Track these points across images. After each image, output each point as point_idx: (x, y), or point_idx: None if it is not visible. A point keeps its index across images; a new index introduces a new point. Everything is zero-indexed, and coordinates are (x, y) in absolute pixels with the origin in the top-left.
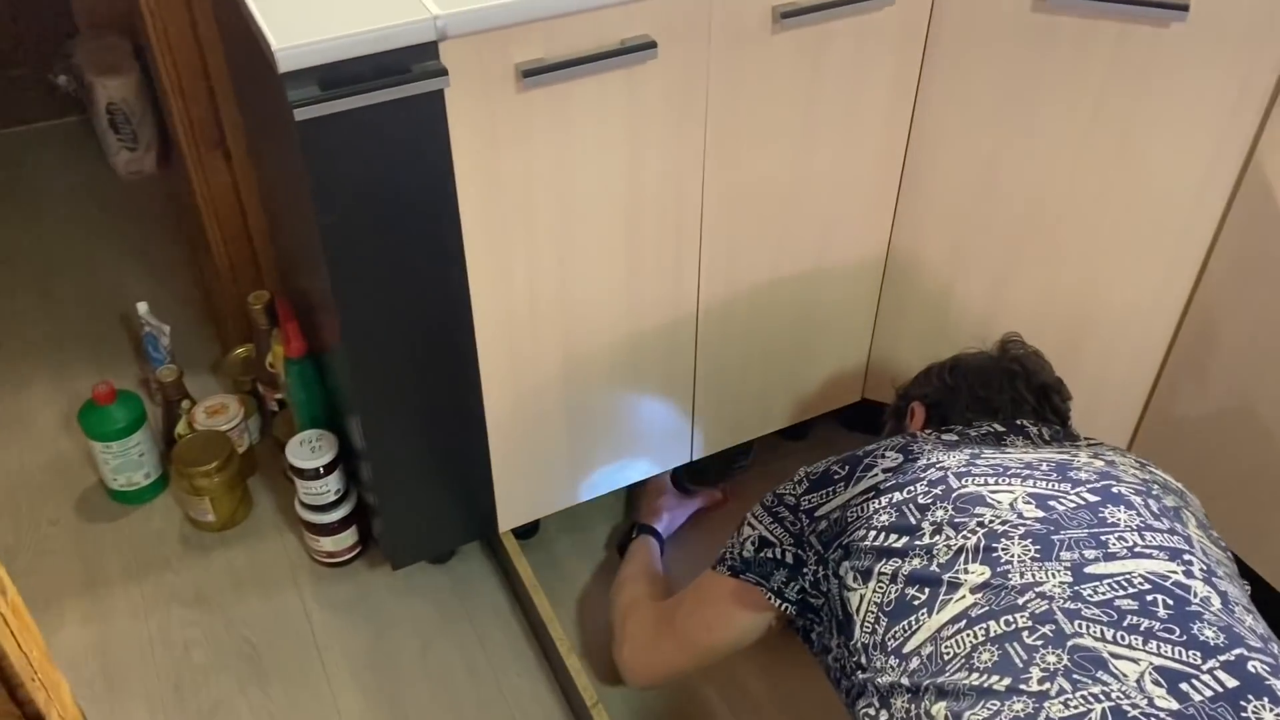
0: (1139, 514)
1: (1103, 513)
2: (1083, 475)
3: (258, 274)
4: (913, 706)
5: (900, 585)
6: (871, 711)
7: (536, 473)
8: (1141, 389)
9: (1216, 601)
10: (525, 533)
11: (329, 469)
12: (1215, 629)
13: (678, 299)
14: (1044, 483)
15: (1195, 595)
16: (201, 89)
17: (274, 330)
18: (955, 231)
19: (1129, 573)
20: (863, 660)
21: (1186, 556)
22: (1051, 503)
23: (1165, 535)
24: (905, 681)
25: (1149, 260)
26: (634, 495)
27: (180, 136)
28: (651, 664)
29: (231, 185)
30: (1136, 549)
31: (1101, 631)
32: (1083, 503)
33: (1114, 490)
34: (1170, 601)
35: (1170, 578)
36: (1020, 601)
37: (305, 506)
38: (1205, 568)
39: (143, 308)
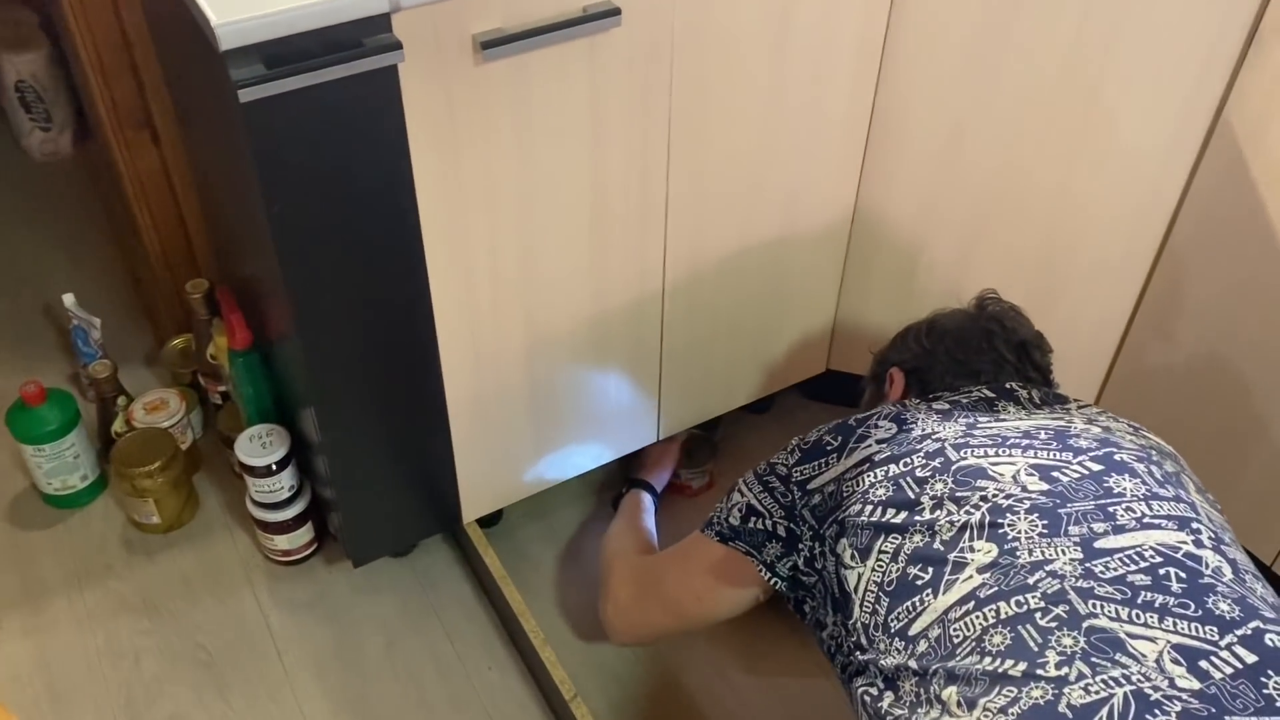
0: (1144, 482)
1: (1107, 482)
2: (1083, 443)
3: (193, 261)
4: (921, 690)
5: (902, 564)
6: (874, 691)
7: (500, 460)
8: (1109, 346)
9: (1228, 571)
10: (488, 521)
11: (281, 465)
12: (1230, 601)
13: (643, 275)
14: (1045, 452)
15: (1207, 566)
16: (124, 65)
17: (214, 320)
18: (922, 194)
19: (1139, 545)
20: (863, 640)
21: (1195, 525)
22: (1055, 474)
23: (1171, 503)
24: (913, 665)
25: (1117, 219)
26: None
27: (103, 117)
28: (635, 625)
29: (161, 168)
30: (1145, 519)
31: (1116, 610)
32: (1087, 472)
33: (1116, 458)
34: (1183, 575)
35: (1181, 549)
36: (1031, 581)
37: (257, 505)
38: (1213, 535)
39: (69, 299)
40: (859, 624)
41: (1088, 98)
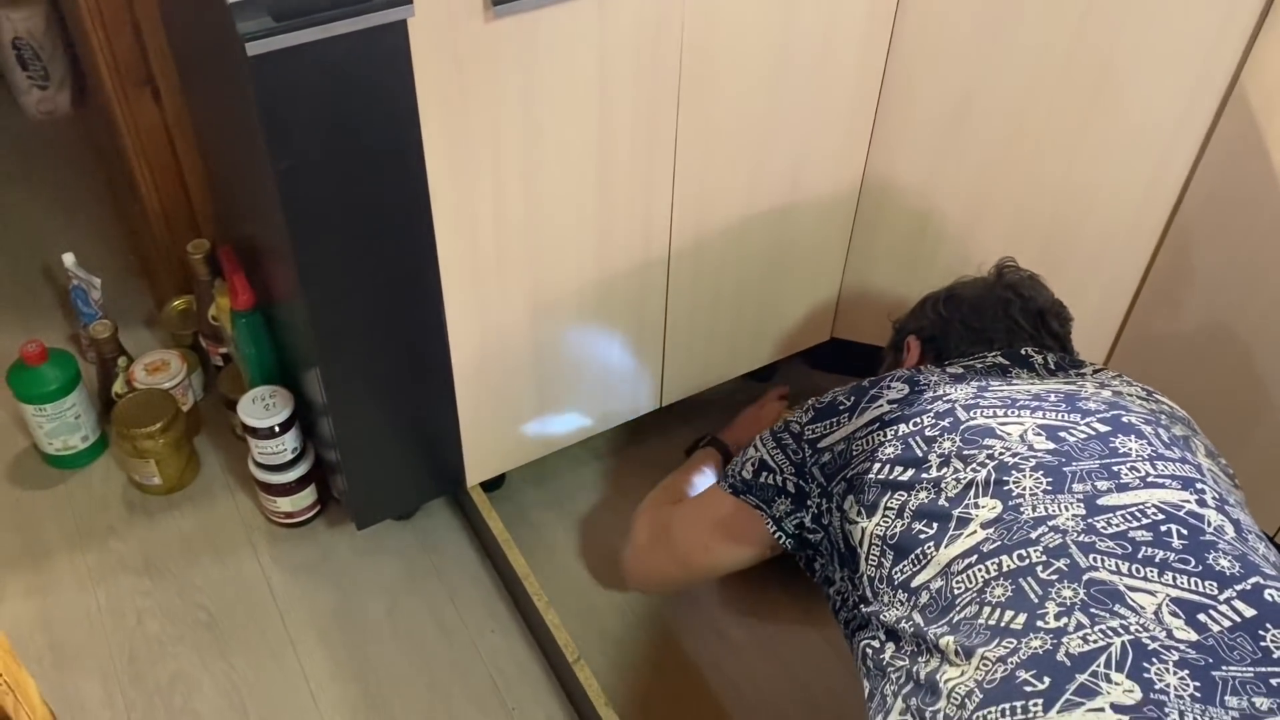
0: (1150, 443)
1: (1113, 443)
2: (1091, 405)
3: (193, 221)
4: (920, 641)
5: (907, 520)
6: (876, 644)
7: (504, 423)
8: (1116, 315)
9: (1230, 530)
10: (491, 485)
11: (285, 426)
12: (1230, 558)
13: (648, 238)
14: (1053, 414)
15: (1209, 524)
16: (125, 21)
17: (216, 281)
18: (930, 162)
19: (1142, 503)
20: (867, 593)
21: (1199, 485)
22: (1062, 434)
23: (1177, 464)
24: (915, 616)
25: (1127, 185)
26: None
27: (102, 73)
28: (646, 571)
29: (161, 126)
30: (1149, 479)
31: (1117, 565)
32: (1093, 433)
33: (1124, 420)
34: (1184, 531)
35: (1184, 507)
36: (1033, 536)
37: (260, 466)
38: (1217, 496)
39: (69, 259)
40: (864, 577)
41: (1099, 67)
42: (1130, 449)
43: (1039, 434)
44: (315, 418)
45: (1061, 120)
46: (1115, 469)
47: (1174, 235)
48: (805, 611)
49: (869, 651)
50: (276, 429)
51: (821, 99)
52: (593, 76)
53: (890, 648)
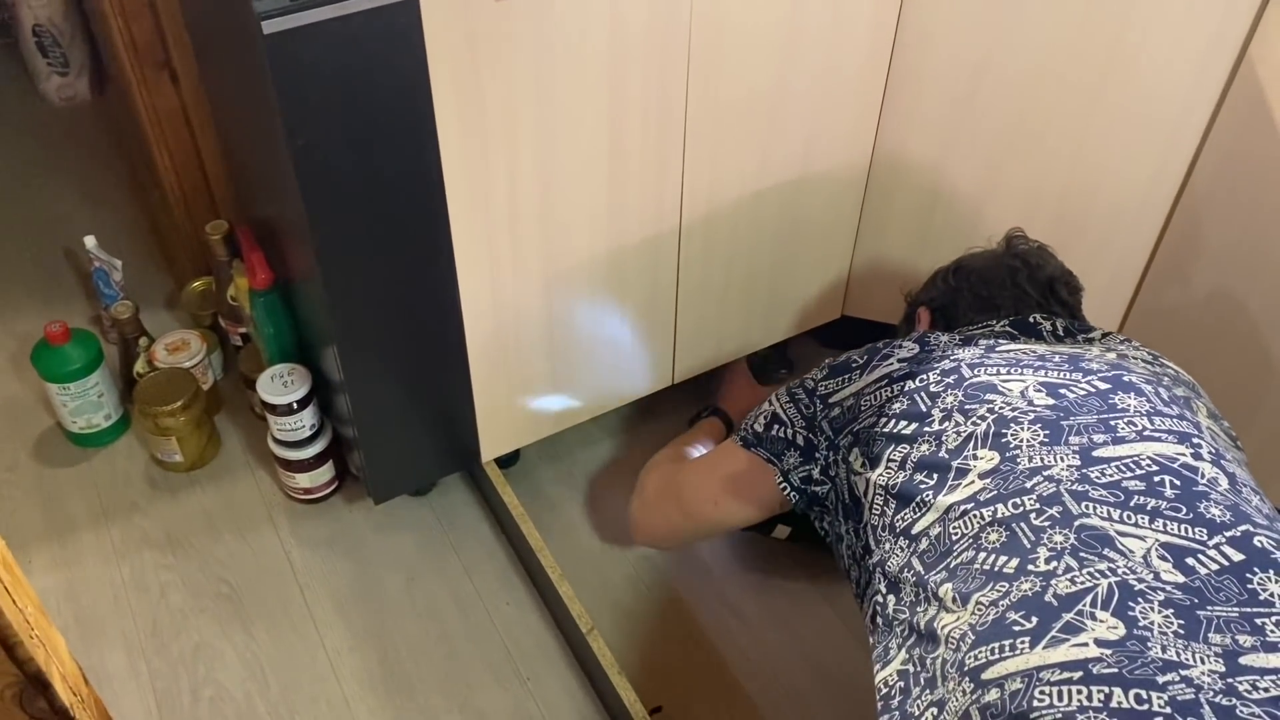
0: (1149, 400)
1: (1113, 399)
2: (1094, 365)
3: (212, 203)
4: (920, 590)
5: (909, 471)
6: (880, 599)
7: (519, 400)
8: (1127, 288)
9: (1224, 482)
10: (505, 462)
11: (303, 404)
12: (1222, 507)
13: (660, 214)
14: (1056, 372)
15: (1203, 476)
16: (143, 4)
17: (234, 261)
18: (942, 135)
19: (1136, 455)
20: (870, 543)
21: (1195, 440)
22: (1062, 390)
23: (1174, 420)
24: (915, 563)
25: (1137, 161)
26: (714, 379)
27: (122, 58)
28: (652, 524)
29: (180, 109)
30: (1145, 433)
31: (1109, 512)
32: (1093, 390)
33: (1125, 379)
34: (1177, 482)
35: (1178, 460)
36: (1028, 485)
37: (279, 443)
38: (1214, 451)
39: (90, 242)
40: (868, 526)
41: (1109, 41)
42: (1129, 405)
43: (1039, 390)
44: (333, 395)
45: (1072, 95)
46: (1112, 423)
47: (1183, 209)
48: (815, 584)
49: (876, 609)
50: (295, 406)
51: (831, 75)
52: (603, 52)
53: (892, 600)
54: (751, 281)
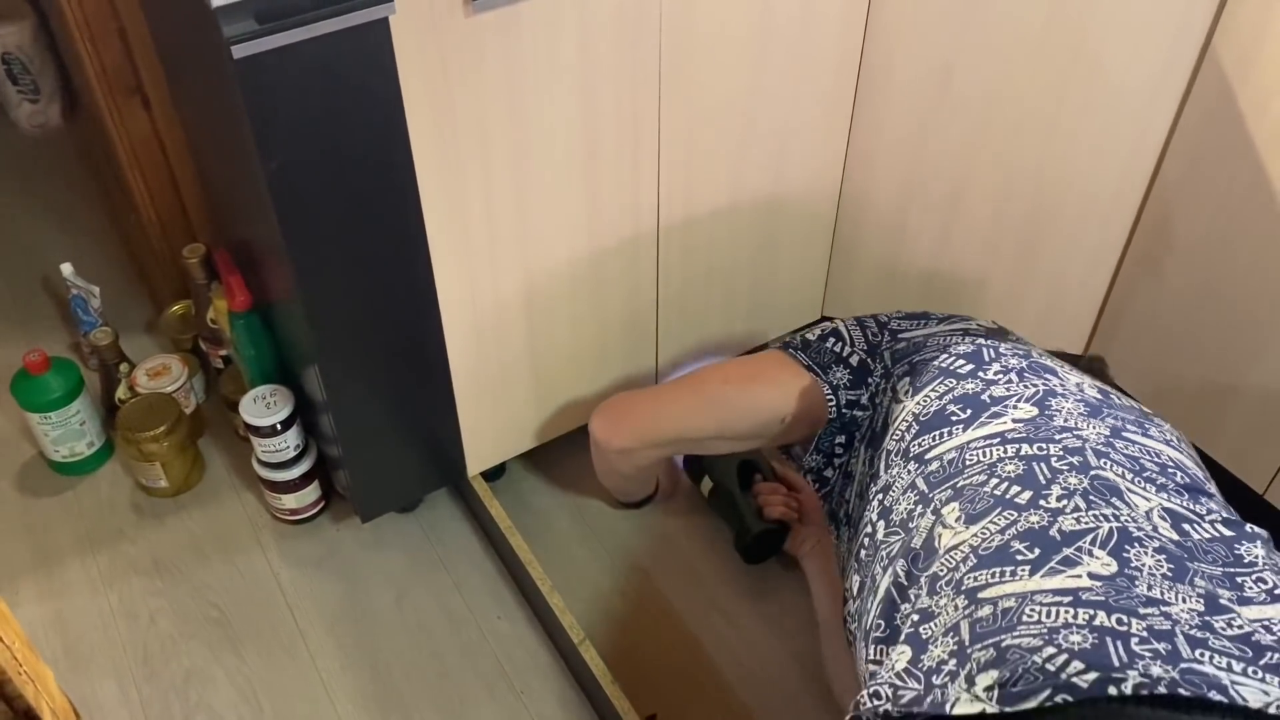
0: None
1: (1147, 422)
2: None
3: (188, 226)
4: (922, 506)
5: (945, 402)
6: (870, 527)
7: (503, 412)
8: (1100, 284)
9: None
10: (492, 475)
11: (286, 424)
12: (1223, 505)
13: (638, 223)
14: (1095, 391)
15: (1210, 486)
16: (112, 32)
17: (213, 284)
18: (913, 135)
19: (1160, 450)
20: (881, 468)
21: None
22: (1111, 396)
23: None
24: (920, 483)
25: (1107, 154)
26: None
27: (92, 84)
28: (635, 403)
29: (153, 134)
30: (1170, 443)
31: (1123, 472)
32: (1135, 414)
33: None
34: (1188, 479)
35: (1200, 473)
36: (1056, 436)
37: (264, 465)
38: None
39: (67, 269)
40: (884, 452)
41: (1075, 34)
42: (1164, 426)
43: (1092, 388)
44: (316, 414)
45: (1041, 90)
46: (1145, 425)
47: (1154, 201)
48: (805, 586)
49: (865, 542)
50: (278, 427)
51: (802, 80)
52: (574, 64)
53: (882, 526)
54: (731, 285)
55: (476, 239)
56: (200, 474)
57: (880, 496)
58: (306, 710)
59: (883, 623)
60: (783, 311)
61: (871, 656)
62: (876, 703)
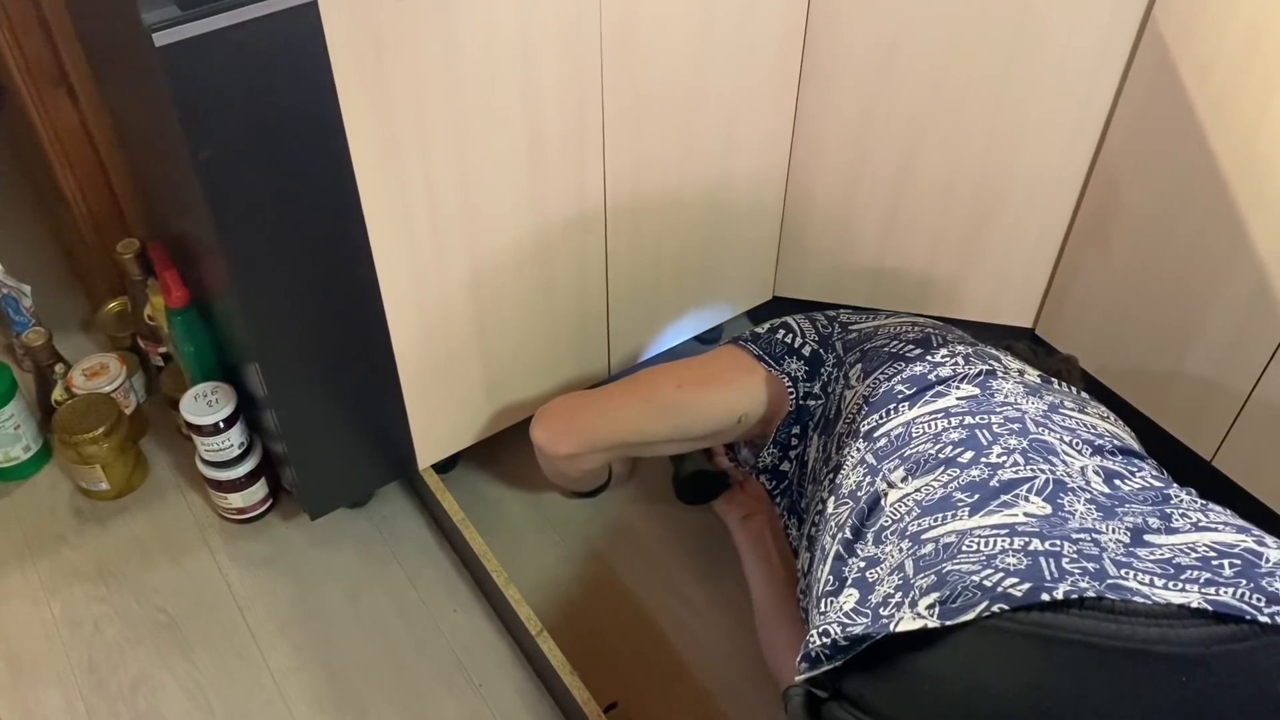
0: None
1: (1088, 406)
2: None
3: (122, 221)
4: (871, 476)
5: (893, 383)
6: (819, 507)
7: (452, 403)
8: (1049, 255)
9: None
10: (443, 467)
11: (229, 422)
12: (1157, 467)
13: (584, 206)
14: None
15: (1149, 459)
16: (32, 20)
17: (149, 280)
18: (859, 112)
19: (1095, 424)
20: (834, 450)
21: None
22: (1052, 382)
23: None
24: (869, 458)
25: (1051, 132)
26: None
27: (14, 76)
28: (581, 408)
29: (81, 126)
30: (1107, 418)
31: (1060, 436)
32: (1078, 407)
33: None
34: (1122, 445)
35: (1135, 448)
36: (997, 409)
37: (208, 464)
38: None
39: None
40: (836, 434)
41: (1019, 6)
42: (1102, 412)
43: (1033, 374)
44: (259, 411)
45: (983, 66)
46: (1084, 406)
47: (1100, 170)
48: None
49: (816, 520)
50: (221, 425)
51: (746, 60)
52: (514, 46)
53: (832, 501)
54: (682, 267)
55: (419, 226)
56: (143, 475)
57: (831, 476)
58: (260, 713)
59: (831, 577)
60: (734, 292)
61: (821, 611)
62: (825, 639)
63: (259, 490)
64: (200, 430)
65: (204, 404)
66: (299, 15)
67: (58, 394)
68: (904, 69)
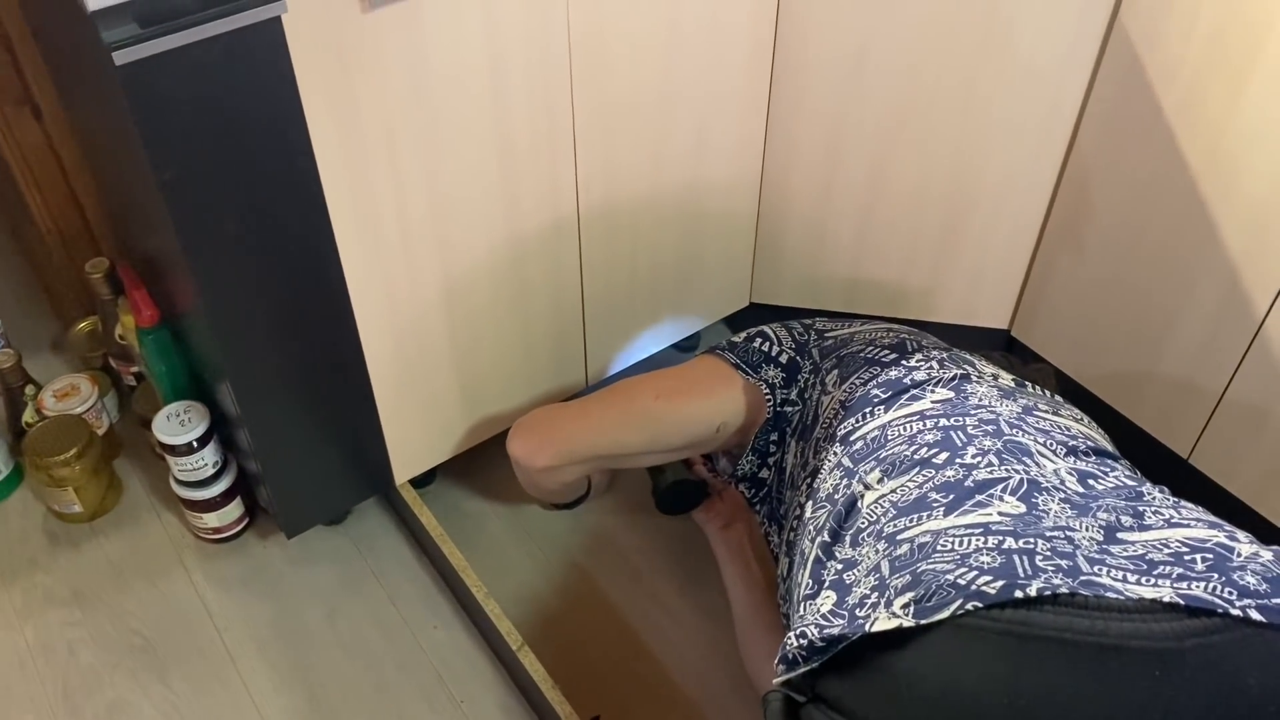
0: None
1: (1062, 409)
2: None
3: (91, 240)
4: (848, 479)
5: (869, 388)
6: (797, 512)
7: (428, 417)
8: (1022, 259)
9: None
10: (421, 482)
11: (203, 441)
12: (1130, 468)
13: (557, 216)
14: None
15: (1122, 461)
16: None
17: (119, 299)
18: (831, 118)
19: (1069, 426)
20: (810, 455)
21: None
22: (1026, 386)
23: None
24: (846, 461)
25: (1020, 135)
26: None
27: None
28: (558, 421)
29: (47, 145)
30: (1081, 420)
31: (1035, 438)
32: (1052, 410)
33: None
34: (1096, 446)
35: (1108, 450)
36: (972, 411)
37: (182, 484)
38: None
39: None
40: (814, 439)
41: (987, 10)
42: (1079, 415)
43: (1007, 379)
44: (233, 429)
45: (956, 66)
46: (1058, 409)
47: (1071, 173)
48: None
49: (795, 525)
50: (194, 444)
51: (716, 69)
52: (481, 58)
53: (810, 505)
54: (657, 276)
55: (389, 239)
56: (117, 496)
57: (809, 480)
58: None
59: (811, 581)
60: (710, 299)
61: (801, 615)
62: (802, 641)
63: (234, 509)
64: (173, 450)
65: (177, 423)
66: (262, 31)
67: (28, 416)
68: (874, 75)
